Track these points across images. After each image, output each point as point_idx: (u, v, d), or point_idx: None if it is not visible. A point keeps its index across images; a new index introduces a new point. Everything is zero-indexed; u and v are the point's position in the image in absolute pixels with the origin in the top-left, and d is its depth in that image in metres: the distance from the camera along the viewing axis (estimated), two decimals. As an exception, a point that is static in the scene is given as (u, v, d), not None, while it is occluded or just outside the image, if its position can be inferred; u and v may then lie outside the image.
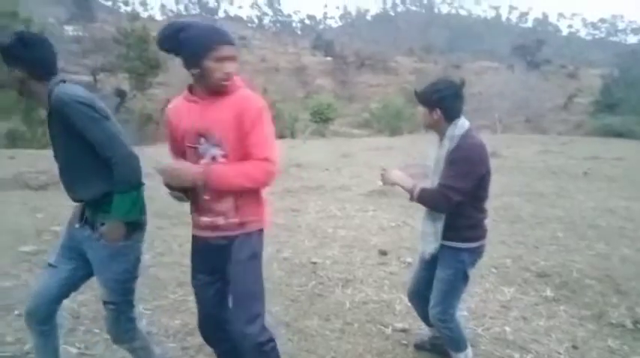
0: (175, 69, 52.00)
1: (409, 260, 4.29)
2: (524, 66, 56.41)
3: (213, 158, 1.84)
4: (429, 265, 2.44)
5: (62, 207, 5.85)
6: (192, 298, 3.31)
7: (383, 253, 4.57)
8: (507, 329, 3.04)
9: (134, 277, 2.09)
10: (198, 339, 2.78)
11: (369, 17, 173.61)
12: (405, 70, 74.13)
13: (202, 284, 2.03)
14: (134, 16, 58.27)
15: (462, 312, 3.28)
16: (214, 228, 1.93)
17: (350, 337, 2.88)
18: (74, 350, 2.65)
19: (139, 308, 3.12)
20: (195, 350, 2.69)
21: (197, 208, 1.96)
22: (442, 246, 2.33)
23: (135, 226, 2.00)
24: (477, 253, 2.37)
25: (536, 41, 65.73)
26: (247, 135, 1.80)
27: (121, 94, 42.07)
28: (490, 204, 7.12)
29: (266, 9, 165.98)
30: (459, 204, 2.19)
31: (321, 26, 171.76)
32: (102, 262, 1.99)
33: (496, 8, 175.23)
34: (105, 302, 2.05)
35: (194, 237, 2.03)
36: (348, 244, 4.87)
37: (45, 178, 7.60)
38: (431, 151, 2.37)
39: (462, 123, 2.25)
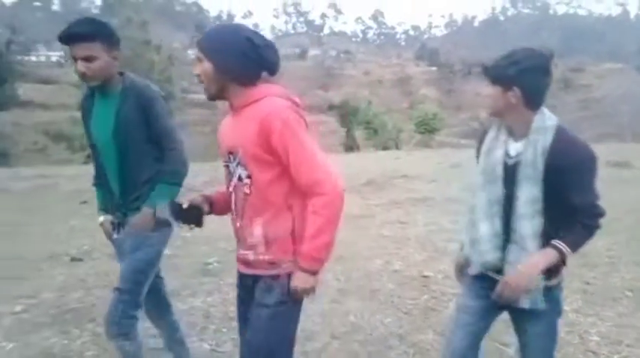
0: (284, 85, 54.69)
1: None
2: (657, 66, 50.44)
3: (240, 178, 1.62)
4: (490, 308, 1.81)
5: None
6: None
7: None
8: (648, 359, 2.74)
9: (150, 271, 2.10)
10: (316, 344, 2.91)
11: (476, 23, 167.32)
12: (551, 79, 70.34)
13: (239, 318, 1.83)
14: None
15: (592, 337, 3.03)
16: (246, 263, 1.69)
17: None
18: (207, 347, 2.90)
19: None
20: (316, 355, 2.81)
21: (236, 237, 1.74)
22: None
23: (162, 222, 2.07)
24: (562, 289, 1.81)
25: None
26: (285, 155, 1.54)
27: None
28: (623, 223, 6.51)
29: (370, 23, 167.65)
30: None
31: (426, 36, 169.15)
32: (129, 251, 2.07)
33: (622, 5, 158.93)
34: (115, 288, 2.07)
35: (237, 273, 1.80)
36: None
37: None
38: (493, 150, 1.75)
39: (550, 113, 1.69)
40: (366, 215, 6.86)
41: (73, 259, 4.71)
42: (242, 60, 1.56)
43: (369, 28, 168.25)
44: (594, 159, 1.63)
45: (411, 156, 18.25)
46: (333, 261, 3.78)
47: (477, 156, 1.86)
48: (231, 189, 1.66)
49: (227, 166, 1.66)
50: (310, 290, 1.60)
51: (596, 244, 5.11)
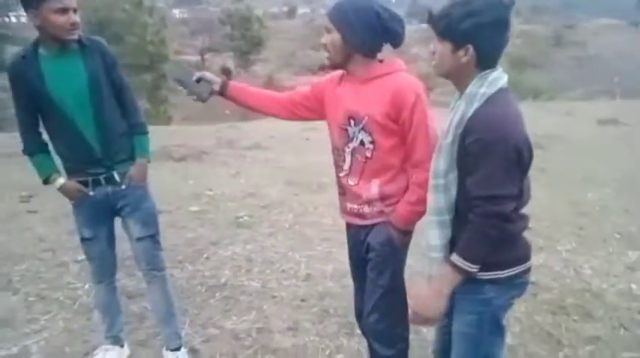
0: (274, 45, 53.66)
1: (530, 225, 4.51)
2: (651, 21, 50.21)
3: (362, 142, 1.77)
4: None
5: (207, 176, 6.82)
6: (336, 249, 3.93)
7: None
8: (633, 286, 3.23)
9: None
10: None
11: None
12: (511, 33, 69.42)
13: (353, 265, 2.06)
14: (236, -4, 60.60)
15: (585, 270, 3.51)
16: (359, 215, 1.88)
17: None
18: (255, 285, 3.34)
19: (296, 256, 3.80)
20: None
21: (343, 192, 1.92)
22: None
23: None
24: (513, 287, 1.50)
25: (668, -8, 57.86)
26: (409, 127, 1.70)
27: (226, 72, 44.63)
28: (611, 176, 7.07)
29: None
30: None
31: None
32: (137, 202, 2.22)
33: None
34: (140, 238, 2.24)
35: (346, 223, 2.00)
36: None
37: (184, 151, 8.72)
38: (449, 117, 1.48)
39: (496, 77, 1.41)
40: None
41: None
42: (370, 32, 1.69)
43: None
44: (503, 143, 1.32)
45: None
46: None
47: None
48: (349, 150, 1.82)
49: (345, 129, 1.79)
50: (402, 242, 1.82)
51: (588, 196, 5.60)
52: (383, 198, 1.80)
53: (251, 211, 4.95)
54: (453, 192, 1.47)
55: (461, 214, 1.47)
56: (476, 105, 1.38)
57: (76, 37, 2.00)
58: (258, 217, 4.74)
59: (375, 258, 1.84)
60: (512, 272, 1.46)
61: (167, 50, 26.11)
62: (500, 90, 1.40)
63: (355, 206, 1.86)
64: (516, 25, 70.08)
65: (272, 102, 2.03)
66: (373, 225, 1.85)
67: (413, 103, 1.67)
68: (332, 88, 1.87)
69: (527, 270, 1.52)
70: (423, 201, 1.62)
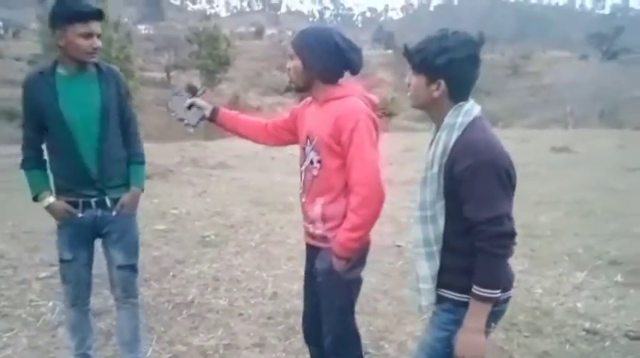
0: (241, 65, 53.87)
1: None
2: (599, 55, 53.37)
3: (311, 161, 1.85)
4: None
5: (173, 195, 6.79)
6: (302, 268, 4.00)
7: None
8: (579, 305, 3.45)
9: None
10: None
11: (431, 8, 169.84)
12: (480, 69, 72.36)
13: (305, 283, 2.13)
14: (204, 15, 60.70)
15: (536, 290, 3.72)
16: (308, 234, 1.97)
17: (440, 304, 3.43)
18: (223, 303, 3.37)
19: (263, 275, 3.86)
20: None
21: (301, 209, 2.01)
22: (437, 297, 1.57)
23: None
24: (494, 314, 1.48)
25: (615, 28, 61.86)
26: (347, 151, 1.76)
27: (192, 90, 44.25)
28: (562, 200, 7.47)
29: (327, 3, 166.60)
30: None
31: (382, 18, 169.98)
32: (124, 230, 2.25)
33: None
34: (121, 267, 2.26)
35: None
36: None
37: (149, 169, 8.64)
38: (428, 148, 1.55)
39: (470, 108, 1.48)
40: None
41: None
42: (329, 60, 1.80)
43: (326, 8, 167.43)
44: (492, 164, 1.38)
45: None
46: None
47: None
48: (302, 168, 1.92)
49: (303, 149, 1.90)
50: (344, 269, 1.84)
51: (540, 219, 5.92)
52: (324, 219, 1.85)
53: (217, 230, 4.98)
54: (441, 222, 1.50)
55: (448, 244, 1.50)
56: (456, 134, 1.43)
57: (95, 60, 2.09)
58: (224, 236, 4.78)
59: (323, 283, 1.91)
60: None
61: (132, 66, 25.75)
62: (476, 119, 1.47)
63: (306, 224, 1.95)
64: (476, 54, 73.49)
65: (259, 130, 2.13)
66: (320, 248, 1.91)
67: (352, 128, 1.73)
68: (302, 110, 1.99)
69: (507, 299, 1.53)
70: (358, 228, 1.74)
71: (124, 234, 2.26)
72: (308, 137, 1.86)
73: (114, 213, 2.19)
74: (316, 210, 1.86)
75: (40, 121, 2.09)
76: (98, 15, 2.03)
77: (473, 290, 1.41)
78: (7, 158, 10.64)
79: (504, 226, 1.37)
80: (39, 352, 2.60)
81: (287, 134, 2.09)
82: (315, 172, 1.86)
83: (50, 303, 3.14)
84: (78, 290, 2.28)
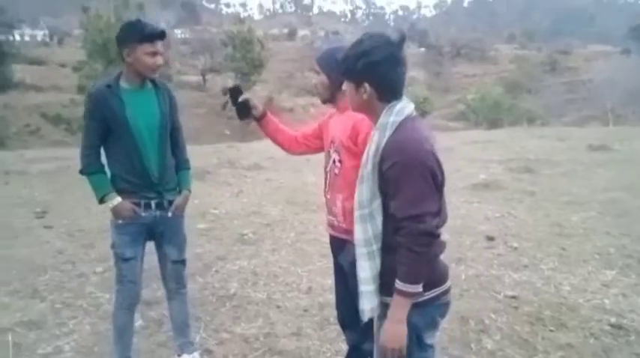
0: (274, 67, 54.50)
1: (515, 245, 4.83)
2: (642, 49, 51.28)
3: (334, 161, 2.09)
4: None
5: (211, 195, 7.13)
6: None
7: (490, 238, 5.13)
8: (606, 301, 3.53)
9: None
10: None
11: (465, 4, 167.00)
12: (505, 58, 70.55)
13: (335, 271, 2.32)
14: (238, 19, 61.65)
15: (564, 287, 3.81)
16: (332, 226, 2.19)
17: (468, 299, 3.58)
18: (261, 296, 3.63)
19: (298, 271, 4.10)
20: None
21: (325, 205, 2.23)
22: (381, 304, 1.61)
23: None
24: (437, 308, 1.61)
25: (659, 21, 59.27)
26: (363, 151, 1.81)
27: (226, 93, 45.26)
28: (596, 199, 7.42)
29: (359, 2, 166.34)
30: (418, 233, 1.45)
31: (415, 16, 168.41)
32: (177, 229, 2.52)
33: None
34: (175, 262, 2.54)
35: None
36: (457, 231, 5.47)
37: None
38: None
39: (402, 107, 1.53)
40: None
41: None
42: None
43: (358, 8, 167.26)
44: (417, 164, 1.44)
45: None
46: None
47: None
48: (327, 169, 2.15)
49: (328, 152, 2.15)
50: None
51: (572, 218, 5.93)
52: (345, 213, 2.03)
53: (255, 229, 5.26)
54: (379, 220, 1.55)
55: (387, 244, 1.55)
56: (388, 133, 1.49)
57: (156, 76, 2.38)
58: (261, 234, 5.05)
59: (350, 273, 1.95)
60: (430, 295, 1.55)
61: (170, 70, 26.63)
62: (408, 118, 1.52)
63: (331, 217, 2.17)
64: (511, 50, 71.46)
65: (292, 141, 2.39)
66: (341, 240, 2.09)
67: (366, 133, 1.87)
68: (327, 120, 2.25)
69: (446, 291, 1.62)
70: None
71: (176, 233, 2.53)
72: (332, 142, 2.11)
73: (169, 214, 2.45)
74: (338, 204, 2.07)
75: (105, 129, 2.32)
76: (163, 36, 2.32)
77: (395, 283, 1.47)
78: (54, 161, 11.33)
79: (425, 224, 1.42)
80: (101, 337, 2.91)
81: (315, 141, 2.34)
82: (336, 171, 2.09)
83: (107, 295, 3.46)
84: (136, 290, 2.48)
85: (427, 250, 1.45)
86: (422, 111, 32.10)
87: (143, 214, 2.38)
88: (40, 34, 72.79)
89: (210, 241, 4.88)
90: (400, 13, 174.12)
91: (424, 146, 1.47)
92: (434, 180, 1.47)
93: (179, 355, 2.68)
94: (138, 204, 2.37)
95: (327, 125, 2.23)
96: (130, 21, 2.36)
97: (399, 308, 1.49)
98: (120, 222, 2.36)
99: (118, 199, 2.33)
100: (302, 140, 2.38)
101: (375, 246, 1.55)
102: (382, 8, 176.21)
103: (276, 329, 3.06)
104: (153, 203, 2.40)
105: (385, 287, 1.56)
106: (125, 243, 2.39)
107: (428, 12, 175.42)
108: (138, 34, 2.26)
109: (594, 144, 12.22)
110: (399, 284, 1.47)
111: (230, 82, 46.16)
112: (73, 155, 13.23)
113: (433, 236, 1.46)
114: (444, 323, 3.12)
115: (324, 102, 2.19)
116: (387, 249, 1.54)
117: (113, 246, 2.43)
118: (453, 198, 7.23)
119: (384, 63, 1.49)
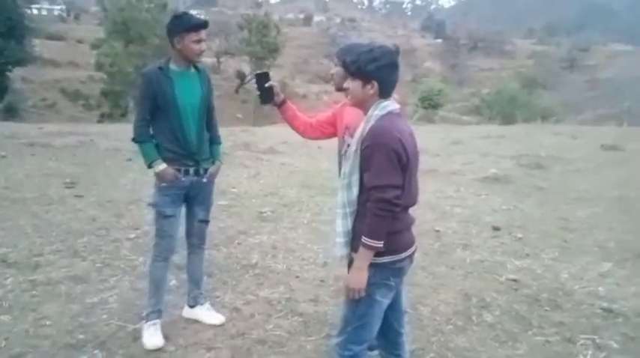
0: (289, 52, 54.44)
1: (520, 235, 5.09)
2: (664, 49, 50.37)
3: (348, 145, 2.14)
4: None
5: (230, 176, 7.44)
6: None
7: (496, 228, 5.39)
8: (601, 289, 3.79)
9: None
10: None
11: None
12: (522, 53, 69.82)
13: None
14: (255, 2, 61.35)
15: (563, 275, 4.07)
16: None
17: (472, 280, 3.86)
18: (280, 267, 3.94)
19: (314, 247, 4.40)
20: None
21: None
22: (348, 256, 1.97)
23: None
24: (391, 271, 1.95)
25: (683, 21, 58.01)
26: None
27: (240, 76, 45.35)
28: (603, 196, 7.63)
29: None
30: (390, 201, 1.80)
31: (433, 6, 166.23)
32: (208, 194, 2.90)
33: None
34: (202, 221, 2.92)
35: None
36: (465, 220, 5.74)
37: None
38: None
39: (387, 104, 1.91)
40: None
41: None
42: None
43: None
44: (384, 145, 1.80)
45: (416, 131, 19.02)
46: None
47: None
48: (343, 153, 2.28)
49: (342, 137, 2.35)
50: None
51: (578, 213, 6.16)
52: None
53: (273, 208, 5.57)
54: (355, 190, 1.92)
55: (360, 211, 1.91)
56: (371, 123, 1.87)
57: (200, 60, 2.73)
58: (279, 213, 5.36)
59: None
60: (388, 260, 1.90)
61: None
62: (389, 113, 1.89)
63: None
64: (529, 46, 70.52)
65: (307, 126, 2.61)
66: None
67: None
68: (342, 109, 2.46)
69: (403, 259, 1.95)
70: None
71: (207, 196, 2.92)
72: (347, 128, 2.30)
73: (204, 180, 2.82)
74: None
75: (154, 105, 2.64)
76: (206, 25, 2.66)
77: (362, 238, 1.83)
78: (74, 135, 11.69)
79: (386, 193, 1.79)
80: (139, 293, 3.23)
81: (329, 127, 2.56)
82: None
83: (141, 258, 3.80)
84: (173, 243, 2.82)
85: (387, 214, 1.80)
86: (435, 103, 32.05)
87: (183, 179, 2.72)
88: (57, 9, 73.12)
89: (231, 216, 5.19)
90: (418, 2, 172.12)
91: (393, 133, 1.83)
92: (399, 161, 1.82)
93: (191, 306, 3.04)
94: (178, 171, 2.71)
95: (341, 114, 2.44)
96: (178, 13, 2.65)
97: (363, 258, 1.85)
98: (163, 184, 2.71)
99: (163, 165, 2.67)
100: (317, 126, 2.59)
101: (348, 209, 1.92)
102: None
103: (296, 296, 3.38)
104: (191, 170, 2.75)
105: (355, 245, 1.91)
106: (166, 202, 2.74)
107: (446, 2, 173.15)
108: (185, 24, 2.57)
109: (607, 144, 12.34)
110: (364, 239, 1.82)
111: (244, 67, 46.42)
112: (92, 131, 13.65)
113: (390, 203, 1.80)
114: (449, 299, 3.43)
115: (339, 90, 2.37)
116: (359, 215, 1.90)
117: (156, 206, 2.77)
118: (463, 188, 7.48)
119: (389, 67, 1.89)
